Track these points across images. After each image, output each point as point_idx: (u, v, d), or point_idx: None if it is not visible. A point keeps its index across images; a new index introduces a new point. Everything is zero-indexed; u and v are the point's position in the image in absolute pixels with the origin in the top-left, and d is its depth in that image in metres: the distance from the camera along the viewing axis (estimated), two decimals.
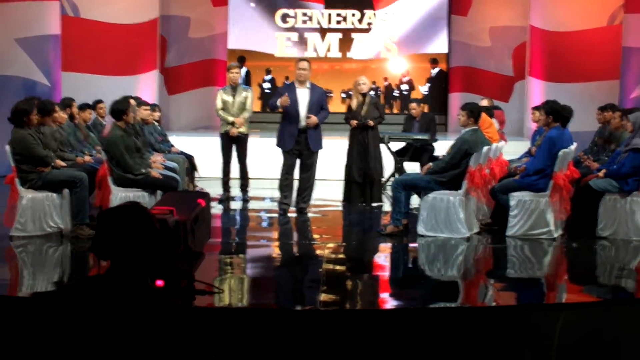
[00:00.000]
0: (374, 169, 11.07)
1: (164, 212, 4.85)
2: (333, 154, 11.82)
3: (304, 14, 18.87)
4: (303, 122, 9.90)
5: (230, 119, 10.97)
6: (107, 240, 3.03)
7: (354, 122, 11.06)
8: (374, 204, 11.00)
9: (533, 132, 12.36)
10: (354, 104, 11.19)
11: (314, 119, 9.85)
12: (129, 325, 2.90)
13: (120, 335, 2.89)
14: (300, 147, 9.98)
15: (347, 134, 11.35)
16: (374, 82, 18.40)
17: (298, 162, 10.11)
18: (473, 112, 8.90)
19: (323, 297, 6.20)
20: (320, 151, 10.16)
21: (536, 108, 11.40)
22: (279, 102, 9.84)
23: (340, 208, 11.01)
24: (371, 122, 11.01)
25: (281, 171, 10.14)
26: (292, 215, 10.03)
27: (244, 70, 18.32)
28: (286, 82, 16.70)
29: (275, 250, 8.63)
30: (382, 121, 11.27)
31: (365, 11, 18.81)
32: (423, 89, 18.97)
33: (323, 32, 18.92)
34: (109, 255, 3.05)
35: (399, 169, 12.19)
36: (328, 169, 11.93)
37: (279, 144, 10.15)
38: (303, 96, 9.96)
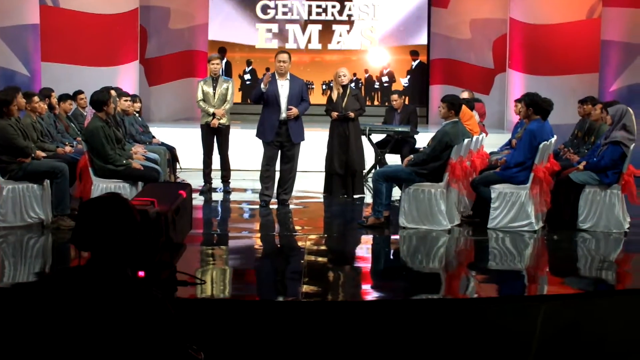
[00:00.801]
0: (355, 160, 11.07)
1: (145, 203, 4.84)
2: (314, 145, 11.82)
3: (285, 6, 18.82)
4: (284, 114, 9.88)
5: (211, 110, 10.95)
6: (87, 231, 3.02)
7: (335, 114, 11.05)
8: (356, 196, 11.01)
9: (515, 124, 12.39)
10: (335, 95, 11.18)
11: (294, 110, 9.84)
12: (108, 315, 2.90)
13: (99, 326, 2.89)
14: (281, 139, 9.97)
15: (328, 125, 11.34)
16: (354, 74, 18.41)
17: (279, 153, 10.10)
18: (454, 104, 8.91)
19: (305, 288, 6.19)
20: (301, 143, 10.15)
21: (518, 100, 11.43)
22: (262, 84, 9.83)
23: (322, 200, 11.02)
24: (352, 114, 11.00)
25: (262, 163, 10.12)
26: (274, 206, 10.02)
27: (224, 61, 18.27)
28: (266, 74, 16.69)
29: (256, 242, 8.61)
30: (363, 113, 11.27)
31: (345, 3, 18.79)
32: (404, 81, 18.98)
33: (304, 23, 18.88)
34: (89, 246, 3.04)
35: (379, 160, 12.20)
36: (309, 161, 11.93)
37: (259, 135, 10.13)
38: (283, 88, 9.95)
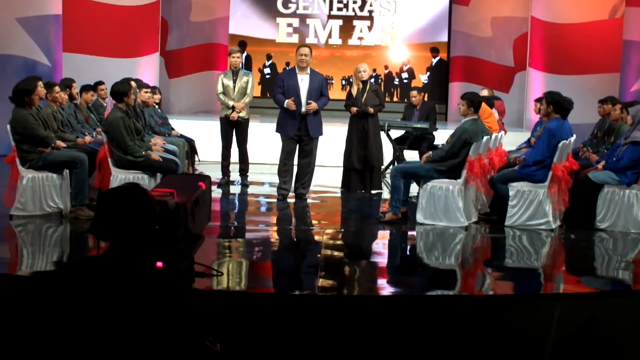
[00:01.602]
0: (374, 156, 11.08)
1: (164, 194, 4.85)
2: (332, 140, 11.83)
3: (305, 0, 18.82)
4: (303, 108, 9.90)
5: (231, 103, 10.98)
6: (107, 221, 3.03)
7: (354, 109, 11.06)
8: (373, 191, 11.01)
9: (535, 123, 12.34)
10: (354, 90, 11.18)
11: (313, 105, 9.86)
12: (126, 305, 2.91)
13: (117, 316, 2.89)
14: (300, 133, 9.99)
15: (347, 120, 11.35)
16: (374, 70, 18.41)
17: (297, 148, 10.11)
18: (473, 101, 8.90)
19: (321, 282, 6.21)
20: (319, 137, 10.17)
21: (539, 100, 11.40)
22: (285, 104, 9.85)
23: (339, 195, 11.03)
24: (371, 110, 11.01)
25: (280, 157, 10.14)
26: (291, 200, 10.04)
27: (244, 55, 18.32)
28: (286, 68, 16.72)
29: (273, 235, 8.64)
30: (382, 109, 11.26)
31: None
32: (423, 77, 18.95)
33: (325, 19, 18.88)
34: (108, 236, 3.04)
35: (398, 157, 12.19)
36: (327, 156, 11.94)
37: (279, 130, 10.15)
38: (304, 82, 9.96)
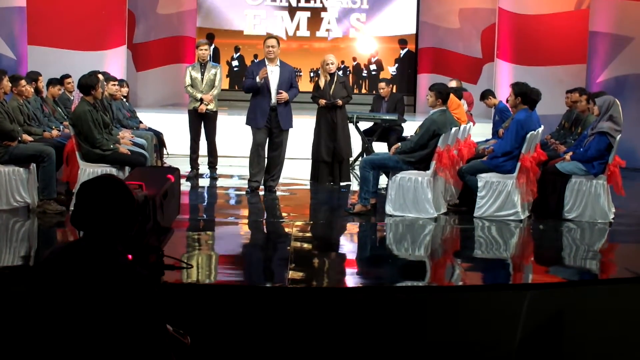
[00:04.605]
0: (342, 148, 11.08)
1: (133, 187, 4.82)
2: (301, 133, 11.81)
3: None
4: (273, 100, 9.86)
5: (199, 95, 10.93)
6: (87, 211, 3.07)
7: (323, 101, 11.05)
8: (342, 183, 11.02)
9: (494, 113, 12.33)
10: (322, 82, 11.17)
11: (284, 94, 9.82)
12: (99, 292, 2.97)
13: (91, 302, 2.95)
14: (270, 125, 9.94)
15: (315, 113, 11.34)
16: (342, 62, 18.40)
17: (267, 140, 10.08)
18: (441, 92, 8.92)
19: (291, 274, 6.21)
20: (289, 130, 10.13)
21: (484, 94, 11.59)
22: (258, 78, 9.77)
23: (308, 187, 11.02)
24: (340, 102, 11.01)
25: (251, 150, 10.08)
26: (261, 193, 10.02)
27: (212, 47, 18.25)
28: (255, 60, 16.68)
29: (243, 228, 8.62)
30: (350, 100, 11.26)
31: None
32: (391, 69, 18.98)
33: (292, 10, 18.85)
34: (88, 226, 3.08)
35: (367, 148, 12.20)
36: (296, 148, 11.92)
37: (249, 122, 10.09)
38: (273, 74, 9.92)
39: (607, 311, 5.96)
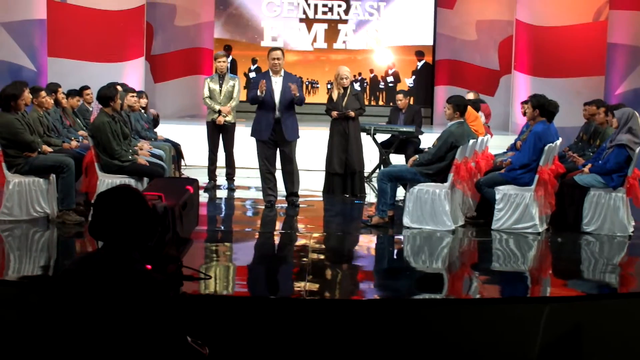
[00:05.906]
0: (355, 160, 11.06)
1: (152, 198, 4.84)
2: (314, 145, 11.82)
3: (290, 4, 18.82)
4: (278, 112, 9.81)
5: (217, 107, 10.97)
6: (105, 221, 3.10)
7: (335, 113, 11.05)
8: (358, 196, 11.00)
9: (522, 126, 12.35)
10: (335, 95, 11.18)
11: (294, 86, 9.65)
12: (119, 300, 3.01)
13: (111, 311, 2.97)
14: (276, 137, 9.84)
15: (329, 125, 11.34)
16: (359, 74, 18.42)
17: (277, 154, 9.99)
18: (459, 105, 8.92)
19: (309, 286, 6.22)
20: (301, 142, 10.11)
21: (525, 102, 11.45)
22: (259, 92, 9.73)
23: (322, 199, 11.00)
24: (352, 113, 11.00)
25: (259, 164, 9.95)
26: (280, 206, 9.99)
27: (229, 59, 18.29)
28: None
29: (260, 239, 8.63)
30: (363, 112, 11.26)
31: (351, 2, 18.78)
32: (409, 81, 18.97)
33: (309, 22, 18.89)
34: (106, 236, 3.11)
35: (384, 160, 12.20)
36: (309, 160, 11.93)
37: (254, 134, 9.99)
38: (277, 85, 9.84)
39: (627, 325, 5.93)
